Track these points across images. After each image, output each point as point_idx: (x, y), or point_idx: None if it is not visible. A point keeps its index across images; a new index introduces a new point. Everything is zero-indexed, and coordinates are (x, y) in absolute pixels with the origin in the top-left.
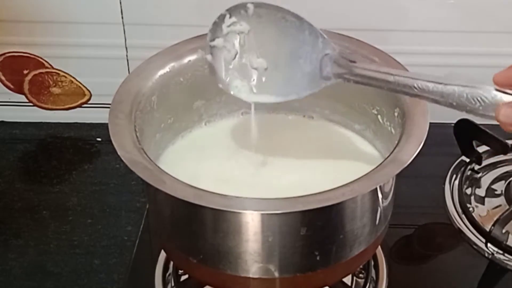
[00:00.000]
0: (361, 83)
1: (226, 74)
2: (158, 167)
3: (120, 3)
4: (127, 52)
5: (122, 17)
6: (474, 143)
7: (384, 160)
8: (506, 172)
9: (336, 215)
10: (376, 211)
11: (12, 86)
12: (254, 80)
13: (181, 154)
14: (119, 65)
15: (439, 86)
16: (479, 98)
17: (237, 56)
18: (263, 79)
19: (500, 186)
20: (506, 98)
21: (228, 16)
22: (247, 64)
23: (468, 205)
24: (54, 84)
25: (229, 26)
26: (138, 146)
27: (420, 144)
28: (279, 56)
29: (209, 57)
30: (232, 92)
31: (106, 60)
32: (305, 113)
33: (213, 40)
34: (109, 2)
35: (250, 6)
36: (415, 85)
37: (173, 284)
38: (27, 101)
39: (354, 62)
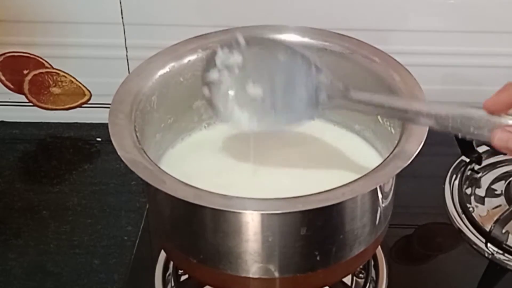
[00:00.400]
0: (355, 109)
1: (225, 106)
2: (158, 167)
3: (120, 3)
4: (127, 52)
5: (122, 17)
6: (474, 143)
7: (384, 160)
8: (506, 172)
9: (336, 215)
10: (376, 211)
11: (12, 86)
12: (253, 109)
13: (181, 156)
14: (119, 65)
15: (433, 111)
16: (472, 123)
17: (234, 87)
18: (262, 107)
19: (500, 186)
20: (499, 121)
21: (220, 50)
22: (244, 94)
23: (468, 205)
24: (54, 84)
25: (221, 59)
26: (138, 146)
27: (420, 144)
28: (275, 83)
29: (206, 91)
30: (232, 125)
31: (106, 60)
32: None
33: (207, 73)
34: (109, 2)
35: (241, 40)
36: (409, 109)
37: (173, 284)
38: (27, 101)
39: (348, 89)
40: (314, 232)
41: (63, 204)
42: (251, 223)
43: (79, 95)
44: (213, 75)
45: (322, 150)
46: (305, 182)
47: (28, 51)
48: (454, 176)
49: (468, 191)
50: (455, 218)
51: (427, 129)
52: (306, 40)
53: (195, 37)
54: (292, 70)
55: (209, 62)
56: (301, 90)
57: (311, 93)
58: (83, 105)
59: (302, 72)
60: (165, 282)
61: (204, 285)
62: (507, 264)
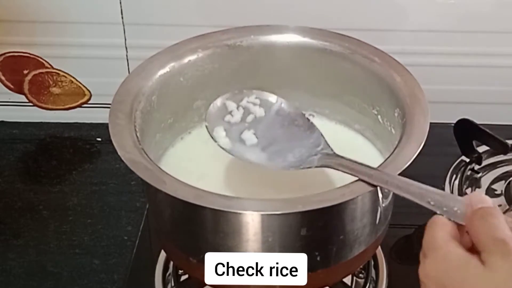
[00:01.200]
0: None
1: (217, 124)
2: (159, 167)
3: (120, 3)
4: (127, 52)
5: (122, 17)
6: (474, 143)
7: (384, 161)
8: (506, 172)
9: (336, 215)
10: (376, 211)
11: (12, 86)
12: (239, 145)
13: (181, 156)
14: (119, 65)
15: (419, 189)
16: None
17: (235, 124)
18: (248, 149)
19: (500, 186)
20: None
21: (254, 96)
22: (239, 133)
23: None
24: (54, 84)
25: (249, 102)
26: (138, 146)
27: (420, 145)
28: (272, 141)
29: (218, 102)
30: (212, 135)
31: (106, 60)
32: (306, 112)
33: (227, 100)
34: (109, 2)
35: (278, 101)
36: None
37: (173, 284)
38: (27, 101)
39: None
40: (314, 232)
41: (63, 204)
42: (251, 224)
43: (79, 95)
44: (231, 104)
45: None
46: (305, 182)
47: (28, 51)
48: (454, 176)
49: (468, 191)
50: None
51: (427, 129)
52: (306, 40)
53: (195, 37)
54: (298, 140)
55: (239, 94)
56: (295, 152)
57: (303, 153)
58: (83, 105)
59: (306, 141)
60: (165, 282)
61: (204, 285)
62: None
